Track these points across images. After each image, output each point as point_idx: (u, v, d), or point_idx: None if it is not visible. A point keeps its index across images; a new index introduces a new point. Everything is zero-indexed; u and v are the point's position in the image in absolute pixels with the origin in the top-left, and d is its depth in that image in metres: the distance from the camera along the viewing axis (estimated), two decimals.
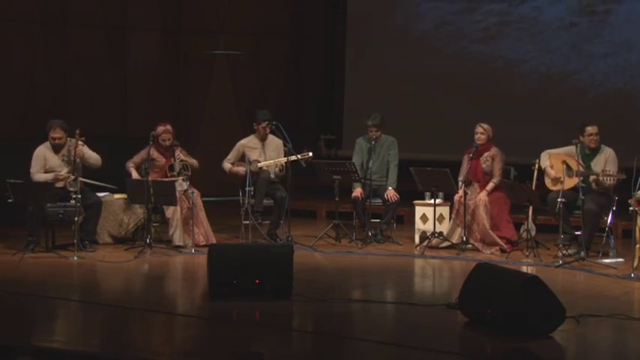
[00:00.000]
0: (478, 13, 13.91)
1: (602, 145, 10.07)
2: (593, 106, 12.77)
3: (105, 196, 10.62)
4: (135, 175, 10.55)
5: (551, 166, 10.14)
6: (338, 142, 14.81)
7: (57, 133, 10.18)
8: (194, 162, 10.69)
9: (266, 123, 10.85)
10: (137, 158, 10.63)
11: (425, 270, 9.94)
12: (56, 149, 10.23)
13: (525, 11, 13.60)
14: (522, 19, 13.62)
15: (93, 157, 10.30)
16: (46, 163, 10.19)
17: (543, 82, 13.37)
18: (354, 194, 10.81)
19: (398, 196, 10.77)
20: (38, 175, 10.12)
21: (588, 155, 10.02)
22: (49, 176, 10.07)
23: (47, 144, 10.25)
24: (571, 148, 10.01)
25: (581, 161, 9.86)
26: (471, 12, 13.94)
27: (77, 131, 10.18)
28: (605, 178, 9.64)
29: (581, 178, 9.81)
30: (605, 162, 9.92)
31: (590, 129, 10.03)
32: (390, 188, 10.80)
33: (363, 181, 10.80)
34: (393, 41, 14.37)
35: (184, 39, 14.33)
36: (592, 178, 9.77)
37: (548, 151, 10.28)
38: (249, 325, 7.29)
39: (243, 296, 7.79)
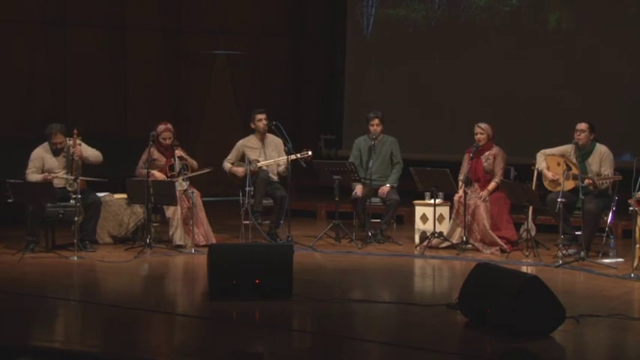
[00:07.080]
0: (479, 13, 13.90)
1: (596, 144, 10.05)
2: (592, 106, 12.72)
3: (105, 196, 10.62)
4: (159, 175, 10.51)
5: (548, 168, 10.13)
6: (338, 142, 14.81)
7: (58, 139, 10.15)
8: (194, 162, 10.69)
9: (263, 116, 10.82)
10: (141, 162, 10.61)
11: (425, 270, 9.93)
12: (56, 152, 10.22)
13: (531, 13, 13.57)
14: (525, 21, 13.62)
15: (92, 154, 10.29)
16: (44, 164, 10.18)
17: (546, 82, 13.36)
18: (354, 191, 10.80)
19: (396, 197, 10.73)
20: (32, 176, 10.10)
21: (582, 154, 10.00)
22: (39, 177, 10.05)
23: (46, 145, 10.22)
24: (566, 148, 10.01)
25: (575, 161, 9.84)
26: (473, 12, 13.93)
27: (75, 130, 10.17)
28: (601, 182, 9.63)
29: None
30: (600, 161, 9.91)
31: (578, 125, 10.02)
32: (387, 185, 10.79)
33: (362, 181, 10.80)
34: (393, 41, 14.37)
35: (184, 39, 14.33)
36: (586, 181, 9.73)
37: (543, 151, 10.25)
38: (249, 325, 7.29)
39: (243, 296, 7.79)
